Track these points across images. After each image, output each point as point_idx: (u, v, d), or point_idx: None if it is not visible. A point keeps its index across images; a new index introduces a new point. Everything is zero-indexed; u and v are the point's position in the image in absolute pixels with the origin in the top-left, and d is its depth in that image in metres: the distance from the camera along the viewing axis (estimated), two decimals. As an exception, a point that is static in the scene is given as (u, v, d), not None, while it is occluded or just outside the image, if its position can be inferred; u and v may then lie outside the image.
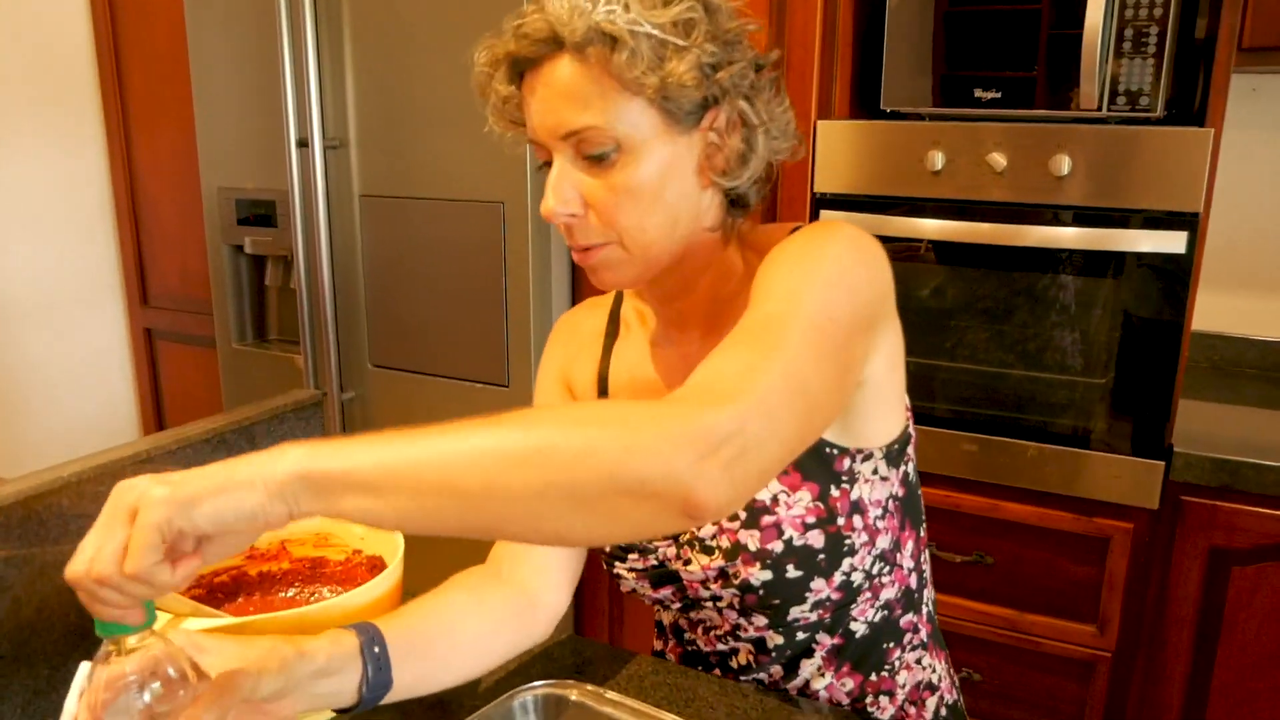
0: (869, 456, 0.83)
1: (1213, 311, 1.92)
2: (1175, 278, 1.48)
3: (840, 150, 1.68)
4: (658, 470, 0.55)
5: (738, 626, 0.89)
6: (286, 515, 0.58)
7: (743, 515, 0.82)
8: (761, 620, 0.86)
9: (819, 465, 0.81)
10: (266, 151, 2.05)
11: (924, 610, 0.93)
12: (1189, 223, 1.45)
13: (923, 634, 0.93)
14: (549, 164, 0.78)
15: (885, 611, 0.88)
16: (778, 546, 0.81)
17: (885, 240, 1.61)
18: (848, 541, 0.82)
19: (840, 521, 0.82)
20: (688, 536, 0.85)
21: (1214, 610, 1.53)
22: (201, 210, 2.21)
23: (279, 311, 2.29)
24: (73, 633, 0.92)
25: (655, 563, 0.88)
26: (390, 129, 1.89)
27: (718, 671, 0.93)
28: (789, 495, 0.81)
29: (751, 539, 0.81)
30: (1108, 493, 1.56)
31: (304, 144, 1.95)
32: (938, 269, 1.65)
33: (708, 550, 0.84)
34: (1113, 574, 1.58)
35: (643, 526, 0.61)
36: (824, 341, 0.67)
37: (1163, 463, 1.52)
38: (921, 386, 1.69)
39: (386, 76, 1.87)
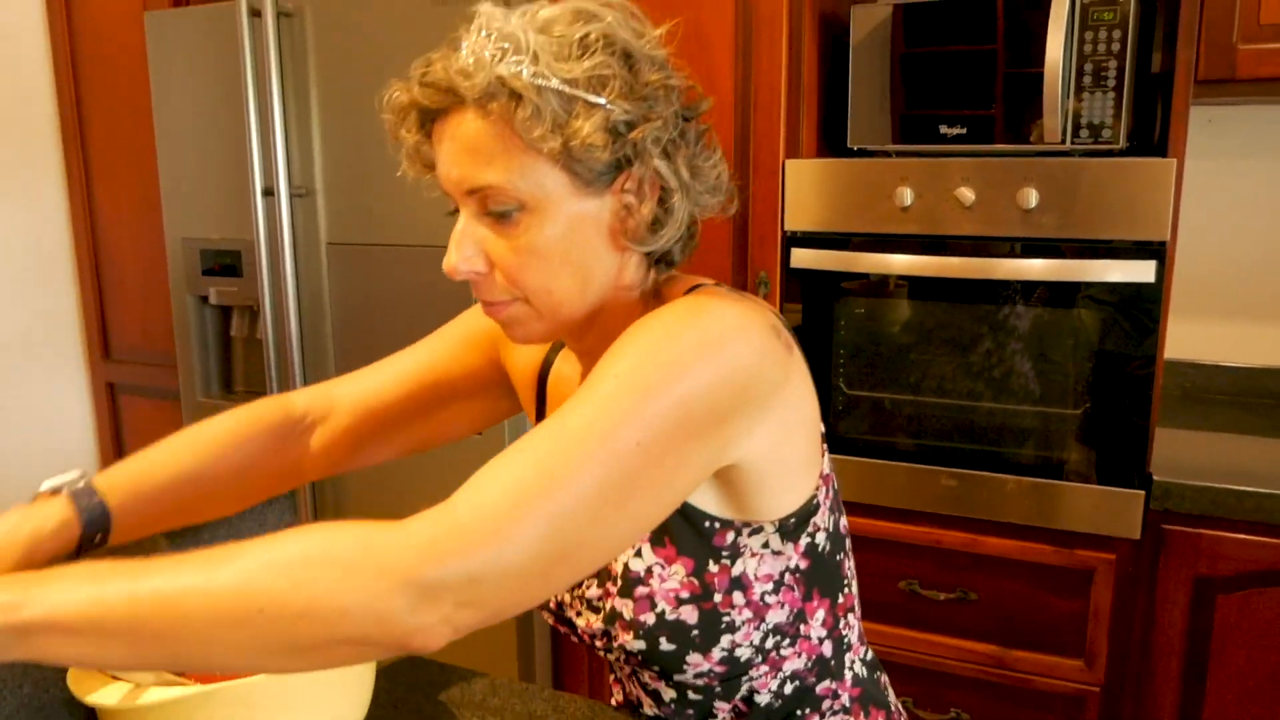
0: (758, 530, 0.77)
1: (1182, 339, 1.94)
2: (1145, 307, 1.49)
3: (809, 189, 1.68)
4: (373, 624, 0.58)
5: (636, 672, 0.85)
6: None
7: (619, 582, 0.78)
8: (655, 671, 0.82)
9: (697, 539, 0.77)
10: (231, 201, 2.02)
11: (847, 675, 0.87)
12: (1156, 252, 1.47)
13: (844, 699, 0.87)
14: (458, 211, 0.75)
15: (796, 682, 0.83)
16: (650, 619, 0.77)
17: (857, 277, 1.63)
18: (726, 619, 0.78)
19: (717, 598, 0.77)
20: (578, 592, 0.83)
21: (1201, 639, 1.52)
22: (165, 261, 2.17)
23: (245, 363, 2.24)
24: (24, 707, 0.87)
25: (555, 604, 0.86)
26: (357, 176, 1.87)
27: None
28: (664, 568, 0.77)
29: (626, 608, 0.78)
30: (1089, 524, 1.56)
31: (270, 192, 1.93)
32: (909, 304, 1.65)
33: (593, 609, 0.81)
34: (1098, 606, 1.57)
35: (364, 660, 0.63)
36: (624, 476, 0.64)
37: (1143, 492, 1.52)
38: (896, 422, 1.68)
39: (353, 123, 1.86)
